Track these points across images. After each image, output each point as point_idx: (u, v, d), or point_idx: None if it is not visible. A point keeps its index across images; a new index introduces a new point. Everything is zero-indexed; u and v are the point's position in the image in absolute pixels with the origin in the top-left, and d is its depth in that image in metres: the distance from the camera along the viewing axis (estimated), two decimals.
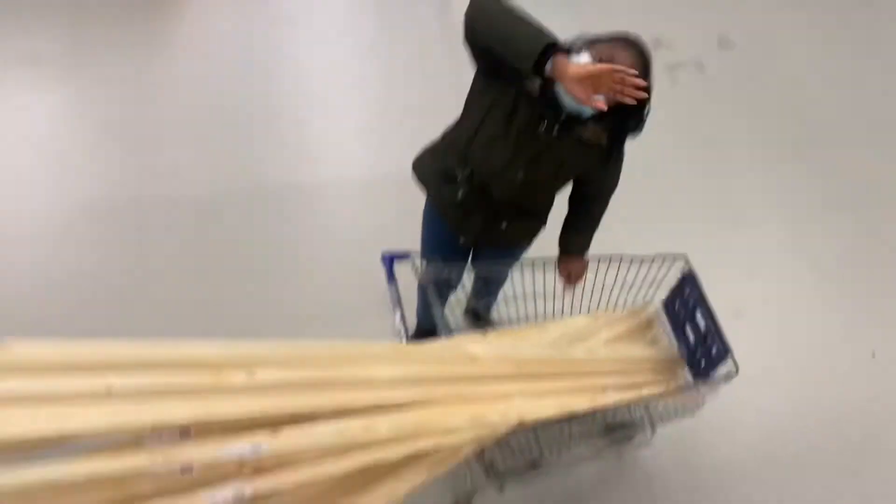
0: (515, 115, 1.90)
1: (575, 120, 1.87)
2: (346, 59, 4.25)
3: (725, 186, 3.90)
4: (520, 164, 1.98)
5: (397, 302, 2.19)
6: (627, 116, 1.84)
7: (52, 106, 3.84)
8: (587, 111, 1.79)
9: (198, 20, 4.36)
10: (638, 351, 2.34)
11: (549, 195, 2.19)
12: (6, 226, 3.36)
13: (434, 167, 2.18)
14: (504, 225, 2.20)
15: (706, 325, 2.23)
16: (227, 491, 1.30)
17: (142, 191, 3.55)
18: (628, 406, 2.40)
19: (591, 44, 1.77)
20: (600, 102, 1.59)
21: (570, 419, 2.16)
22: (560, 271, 2.37)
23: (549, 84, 1.79)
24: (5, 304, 3.06)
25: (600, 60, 1.67)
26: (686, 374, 2.42)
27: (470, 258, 2.46)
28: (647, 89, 1.66)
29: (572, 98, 1.64)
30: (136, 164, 3.65)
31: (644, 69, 1.76)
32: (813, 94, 4.36)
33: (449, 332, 2.22)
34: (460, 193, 2.12)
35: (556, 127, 1.88)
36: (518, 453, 2.40)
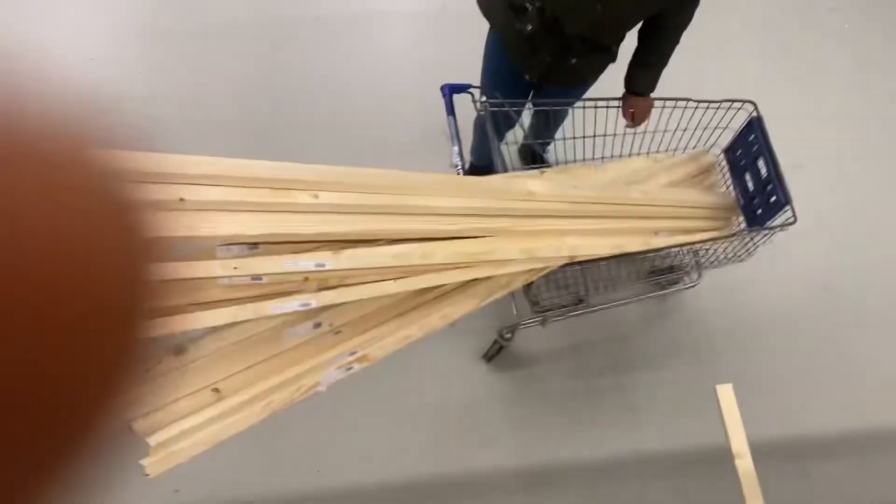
0: None
1: None
2: None
3: (803, 29, 3.67)
4: None
5: (455, 135, 2.18)
6: None
7: None
8: None
9: None
10: (694, 196, 2.32)
11: (624, 30, 2.10)
12: (61, 47, 3.37)
13: None
14: (573, 61, 2.13)
15: (767, 173, 2.18)
16: (294, 303, 1.38)
17: (198, 8, 3.50)
18: (678, 250, 2.42)
19: None
20: None
21: (620, 259, 2.20)
22: (624, 110, 2.31)
23: None
24: None
25: None
26: (741, 222, 2.41)
27: (531, 94, 2.40)
28: None
29: None
30: None
31: None
32: None
33: (505, 168, 2.22)
34: (529, 27, 2.04)
35: None
36: (564, 290, 2.47)
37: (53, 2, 3.46)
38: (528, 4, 2.01)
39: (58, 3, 3.46)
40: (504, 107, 2.21)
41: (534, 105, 2.38)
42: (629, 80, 2.27)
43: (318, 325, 1.49)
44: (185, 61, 3.38)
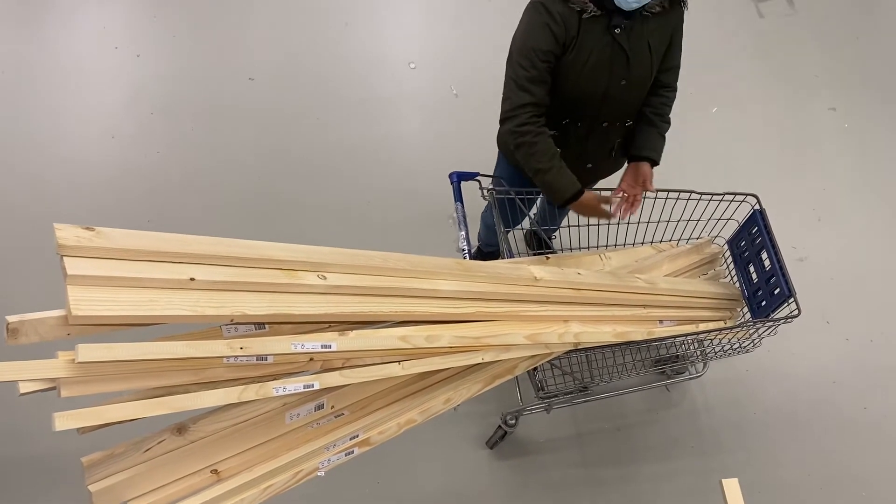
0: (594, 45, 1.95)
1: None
2: None
3: (804, 126, 3.75)
4: (620, 71, 2.01)
5: (463, 220, 2.22)
6: None
7: (132, 4, 3.88)
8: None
9: None
10: (698, 286, 2.34)
11: (650, 83, 2.15)
12: (84, 124, 3.46)
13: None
14: (613, 153, 2.26)
15: (771, 265, 2.20)
16: (298, 385, 1.38)
17: (215, 97, 3.61)
18: (683, 339, 2.42)
19: None
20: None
21: (624, 347, 2.20)
22: (635, 178, 2.23)
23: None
24: (90, 202, 3.19)
25: None
26: (745, 313, 2.41)
27: None
28: None
29: None
30: (210, 70, 3.70)
31: None
32: None
33: (511, 254, 2.25)
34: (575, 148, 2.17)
35: (625, 22, 1.94)
36: (569, 376, 2.45)
37: (78, 79, 3.58)
38: (561, 128, 2.13)
39: (82, 80, 3.58)
40: (510, 194, 2.25)
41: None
42: (640, 146, 2.22)
43: (319, 407, 1.48)
44: (199, 140, 3.46)
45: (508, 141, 2.06)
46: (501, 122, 2.08)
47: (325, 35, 3.84)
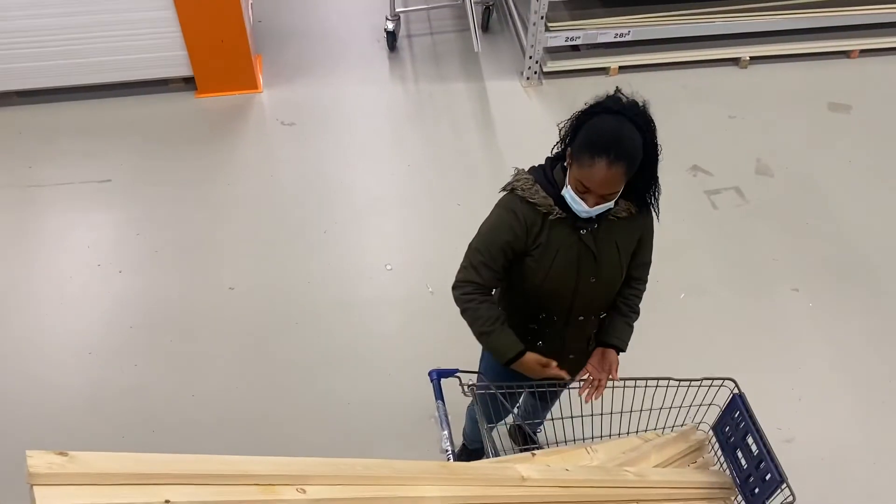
0: (561, 244, 2.04)
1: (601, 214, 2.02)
2: (394, 183, 4.43)
3: (770, 308, 3.85)
4: (588, 268, 2.08)
5: (445, 420, 2.19)
6: (639, 179, 1.97)
7: (116, 224, 4.05)
8: (590, 212, 1.95)
9: (256, 149, 4.62)
10: (689, 475, 2.28)
11: (621, 280, 2.23)
12: (62, 341, 3.47)
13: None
14: (590, 344, 2.31)
15: (758, 450, 2.17)
16: None
17: (195, 308, 3.67)
18: None
19: (577, 155, 1.88)
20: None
21: None
22: (601, 366, 2.30)
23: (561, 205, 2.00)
24: (63, 418, 3.13)
25: (579, 183, 1.88)
26: (740, 501, 2.34)
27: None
28: (653, 159, 1.93)
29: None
30: (191, 282, 3.79)
31: (627, 165, 1.85)
32: (857, 224, 4.30)
33: (496, 453, 2.21)
34: (539, 343, 2.24)
35: (592, 225, 2.03)
36: None
37: (59, 297, 3.63)
38: (538, 322, 2.22)
39: (63, 298, 3.64)
40: (490, 389, 2.25)
41: (528, 386, 2.40)
42: (609, 334, 2.30)
43: None
44: (178, 351, 3.47)
45: (456, 303, 2.18)
46: (453, 287, 2.21)
47: (304, 243, 4.00)
